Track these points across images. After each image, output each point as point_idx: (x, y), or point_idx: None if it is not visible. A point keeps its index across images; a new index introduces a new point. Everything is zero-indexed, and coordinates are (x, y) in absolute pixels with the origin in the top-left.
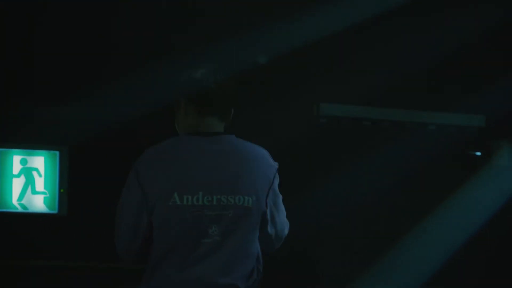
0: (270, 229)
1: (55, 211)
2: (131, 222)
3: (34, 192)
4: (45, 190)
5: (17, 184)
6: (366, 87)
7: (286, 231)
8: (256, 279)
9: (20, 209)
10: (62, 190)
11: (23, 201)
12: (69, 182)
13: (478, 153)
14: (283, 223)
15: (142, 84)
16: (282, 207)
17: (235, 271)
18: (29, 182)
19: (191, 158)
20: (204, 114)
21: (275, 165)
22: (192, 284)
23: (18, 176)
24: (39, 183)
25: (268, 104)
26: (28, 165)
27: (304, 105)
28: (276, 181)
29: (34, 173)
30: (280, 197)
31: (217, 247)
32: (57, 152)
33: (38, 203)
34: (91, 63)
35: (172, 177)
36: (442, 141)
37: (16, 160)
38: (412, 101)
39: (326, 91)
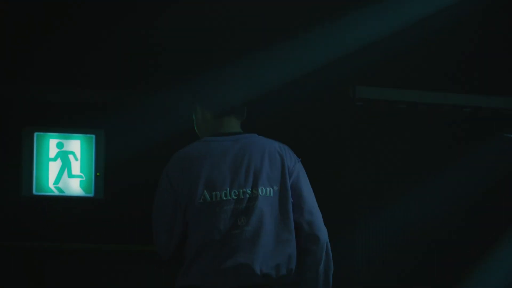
0: (296, 215)
1: (91, 195)
2: (168, 223)
3: (70, 175)
4: (81, 174)
5: (53, 168)
6: (402, 70)
7: (324, 228)
8: (292, 267)
9: (56, 193)
10: (98, 174)
11: (60, 185)
12: (105, 165)
13: None
14: (316, 218)
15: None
16: (311, 199)
17: (268, 260)
18: (66, 165)
19: (216, 158)
20: (221, 116)
21: (296, 158)
22: (228, 273)
23: (54, 159)
24: (75, 167)
25: (304, 89)
26: (64, 149)
27: (340, 88)
28: (298, 173)
29: (71, 157)
30: (307, 190)
31: (248, 237)
32: (93, 136)
33: (74, 186)
34: (129, 53)
35: (201, 176)
36: (477, 123)
37: (53, 143)
38: (447, 83)
39: (362, 73)
